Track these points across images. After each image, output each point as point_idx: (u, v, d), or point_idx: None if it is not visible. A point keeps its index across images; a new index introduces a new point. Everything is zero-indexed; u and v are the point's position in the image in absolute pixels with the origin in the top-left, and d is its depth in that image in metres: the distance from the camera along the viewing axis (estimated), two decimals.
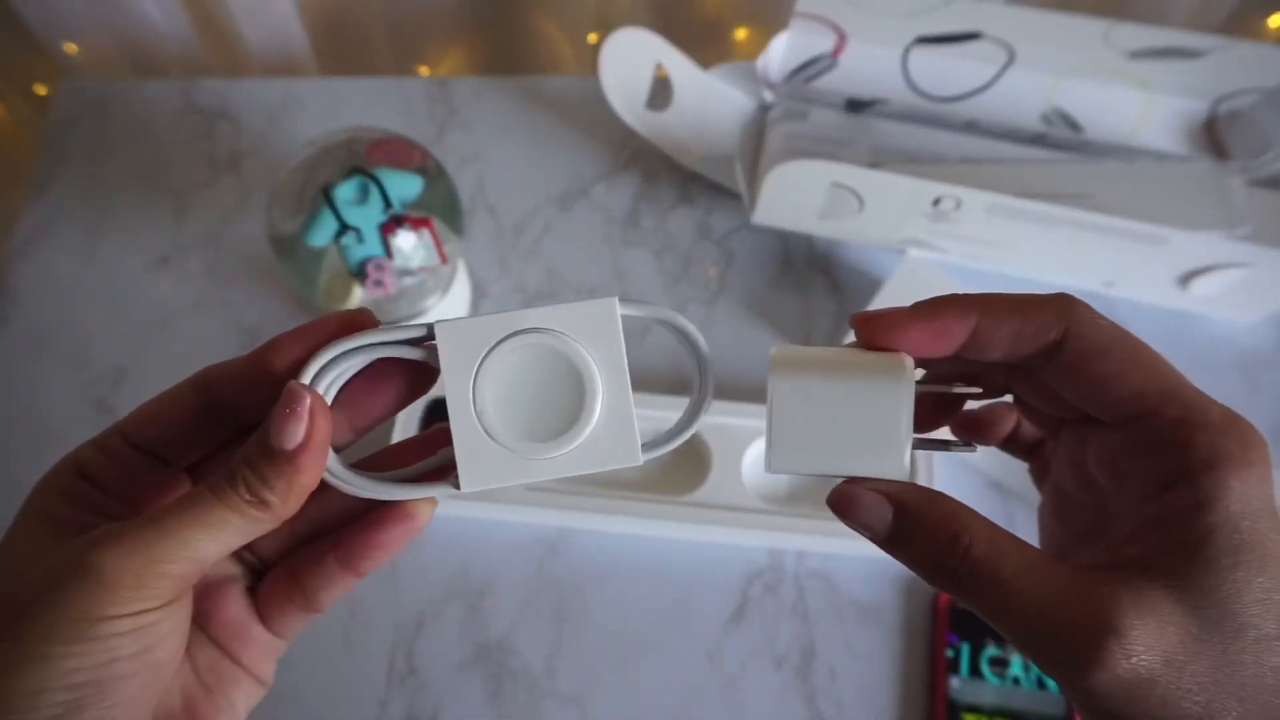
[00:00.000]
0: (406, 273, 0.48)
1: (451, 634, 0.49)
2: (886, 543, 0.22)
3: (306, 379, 0.23)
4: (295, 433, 0.22)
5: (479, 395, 0.23)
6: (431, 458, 0.25)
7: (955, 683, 0.47)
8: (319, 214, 0.46)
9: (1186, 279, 0.55)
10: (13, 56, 0.73)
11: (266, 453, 0.22)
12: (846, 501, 0.23)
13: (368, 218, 0.47)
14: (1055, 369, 0.22)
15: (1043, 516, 0.28)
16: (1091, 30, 0.59)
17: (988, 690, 0.47)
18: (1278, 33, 0.73)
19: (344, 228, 0.46)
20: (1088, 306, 0.22)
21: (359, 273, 0.48)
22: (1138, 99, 0.63)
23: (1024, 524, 0.53)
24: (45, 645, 0.20)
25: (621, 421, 0.24)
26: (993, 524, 0.21)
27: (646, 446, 0.24)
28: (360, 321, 0.24)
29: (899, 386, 0.23)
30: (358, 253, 0.47)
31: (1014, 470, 0.52)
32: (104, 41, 0.70)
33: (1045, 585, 0.20)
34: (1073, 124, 0.63)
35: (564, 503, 0.50)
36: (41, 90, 0.76)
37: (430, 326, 0.23)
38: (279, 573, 0.27)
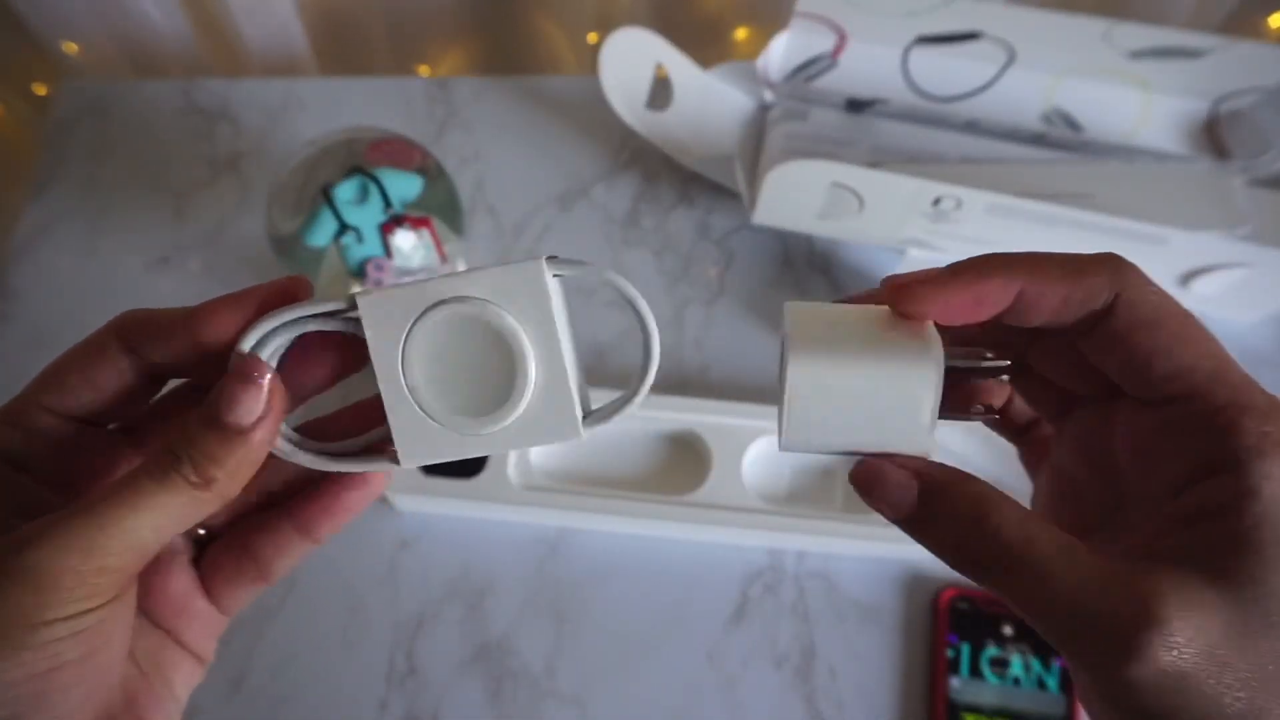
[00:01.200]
0: (407, 273, 0.48)
1: (451, 634, 0.49)
2: (909, 523, 0.21)
3: (245, 348, 0.22)
4: (253, 408, 0.20)
5: (408, 370, 0.22)
6: (380, 428, 0.24)
7: (955, 683, 0.47)
8: (319, 214, 0.46)
9: (1187, 279, 0.55)
10: (12, 56, 0.73)
11: (216, 428, 0.20)
12: (871, 477, 0.21)
13: (367, 218, 0.47)
14: (1097, 338, 0.21)
15: (1036, 506, 0.27)
16: (1092, 30, 0.59)
17: (988, 690, 0.47)
18: (1278, 33, 0.73)
19: (344, 228, 0.46)
20: (1140, 271, 0.21)
21: (359, 273, 0.48)
22: (1138, 99, 0.63)
23: None
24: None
25: (559, 394, 0.22)
26: (1024, 507, 0.20)
27: (591, 418, 0.23)
28: (294, 291, 0.23)
29: (927, 366, 0.21)
30: (358, 253, 0.47)
31: (1014, 470, 0.52)
32: (104, 41, 0.70)
33: (1082, 572, 0.19)
34: (1073, 124, 0.63)
35: (564, 503, 0.50)
36: (41, 90, 0.76)
37: (352, 297, 0.22)
38: (227, 543, 0.25)
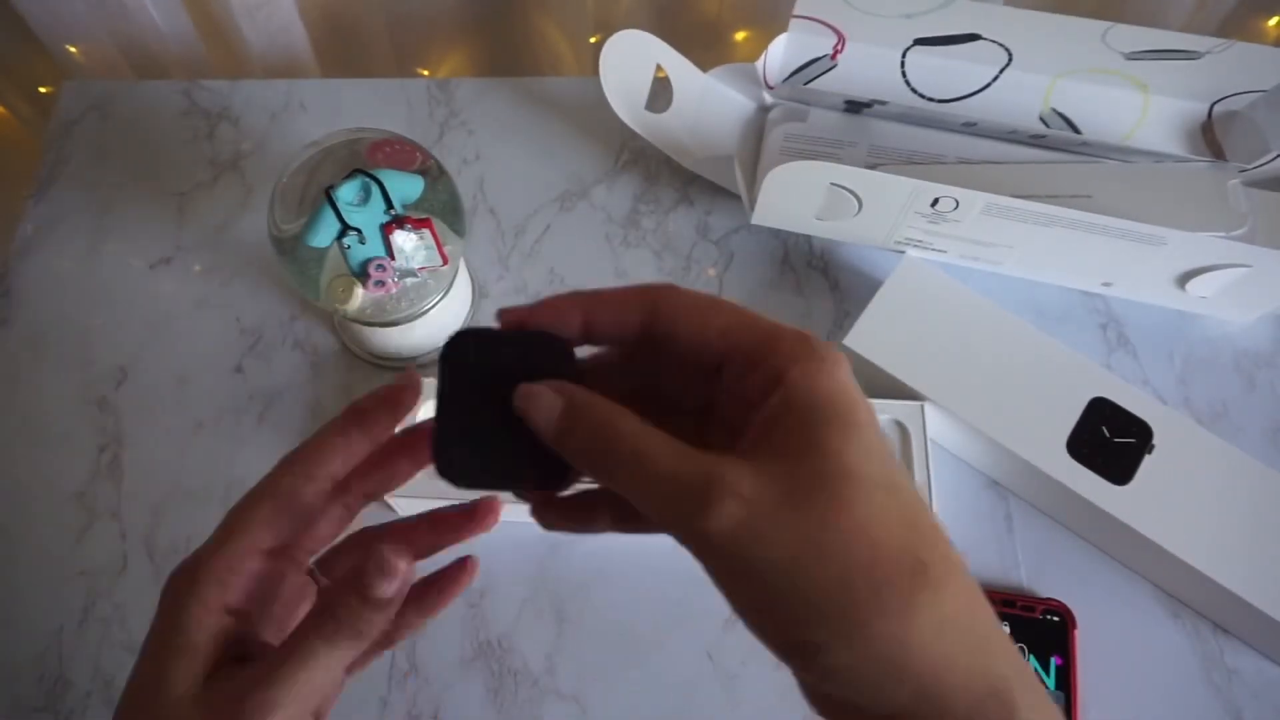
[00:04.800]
0: (408, 273, 0.49)
1: (452, 633, 0.50)
2: (557, 437, 0.25)
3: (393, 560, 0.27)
4: (390, 588, 0.26)
5: None
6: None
7: None
8: (320, 215, 0.46)
9: (1184, 279, 0.55)
10: (16, 58, 0.73)
11: (366, 600, 0.26)
12: (529, 395, 0.26)
13: (369, 218, 0.47)
14: (662, 337, 0.26)
15: None
16: (1090, 31, 0.60)
17: None
18: (1276, 33, 0.73)
19: (345, 228, 0.46)
20: (676, 286, 0.26)
21: (361, 273, 0.48)
22: (1136, 100, 0.63)
23: (1022, 523, 0.53)
24: None
25: None
26: (642, 420, 0.24)
27: None
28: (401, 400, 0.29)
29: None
30: (359, 253, 0.47)
31: (1015, 470, 0.52)
32: (106, 43, 0.70)
33: (676, 458, 0.23)
34: (1071, 125, 0.63)
35: None
36: (44, 91, 0.76)
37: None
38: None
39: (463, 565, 0.32)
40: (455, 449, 0.26)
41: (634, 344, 0.27)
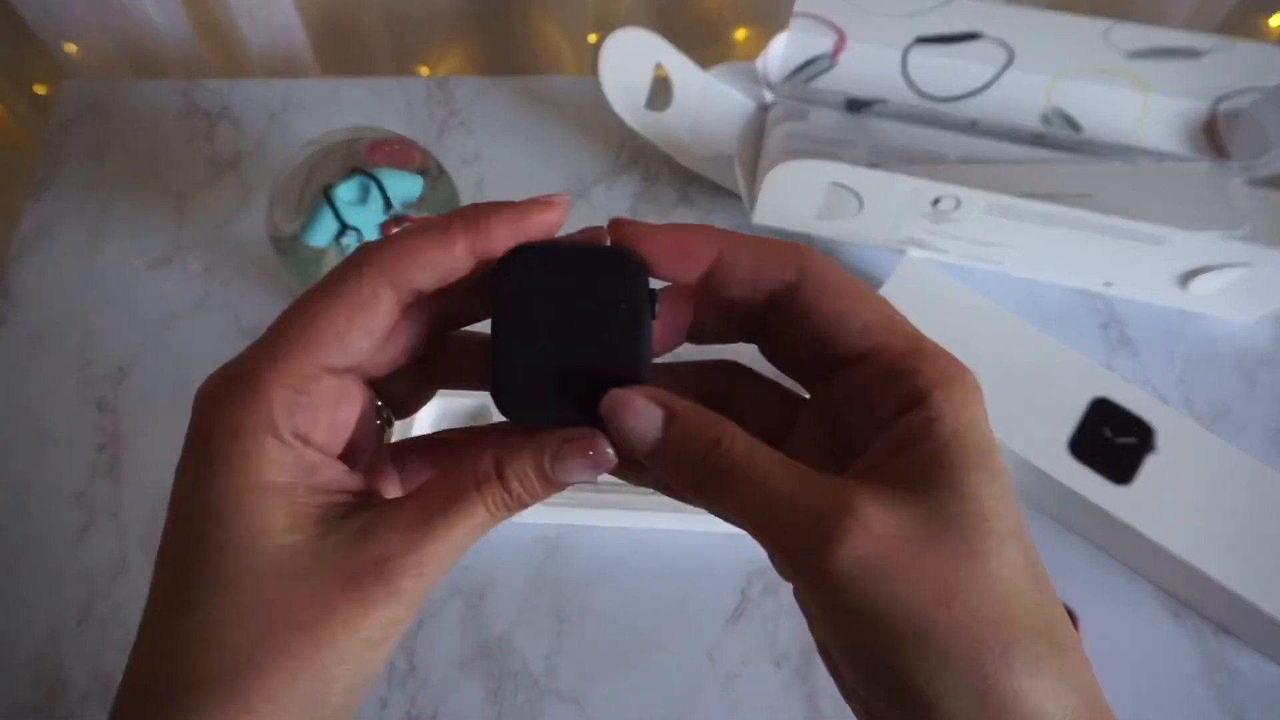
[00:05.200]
0: None
1: (452, 633, 0.49)
2: (653, 453, 0.22)
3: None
4: (582, 476, 0.23)
5: None
6: None
7: None
8: (319, 214, 0.46)
9: (1186, 278, 0.55)
10: (13, 57, 0.73)
11: (546, 480, 0.23)
12: (621, 405, 0.23)
13: (368, 218, 0.47)
14: (796, 310, 0.24)
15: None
16: (1091, 30, 0.59)
17: None
18: (1278, 33, 0.73)
19: (344, 228, 0.46)
20: (823, 256, 0.24)
21: None
22: (1137, 99, 0.63)
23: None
24: (341, 663, 0.21)
25: None
26: (746, 433, 0.23)
27: None
28: (553, 213, 0.24)
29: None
30: None
31: (1016, 471, 0.52)
32: (104, 42, 0.70)
33: (795, 480, 0.21)
34: (1072, 124, 0.63)
35: (564, 500, 0.50)
36: (42, 90, 0.76)
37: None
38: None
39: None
40: (519, 382, 0.23)
41: (754, 312, 0.24)
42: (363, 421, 0.24)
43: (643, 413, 0.22)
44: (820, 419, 0.26)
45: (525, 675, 0.49)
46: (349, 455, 0.24)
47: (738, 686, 0.48)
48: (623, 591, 0.50)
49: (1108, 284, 0.58)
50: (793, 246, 0.24)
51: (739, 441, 0.22)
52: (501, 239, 0.23)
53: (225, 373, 0.22)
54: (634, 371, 0.23)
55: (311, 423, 0.22)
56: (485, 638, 0.49)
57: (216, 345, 0.58)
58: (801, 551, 0.21)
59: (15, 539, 0.53)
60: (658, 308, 0.24)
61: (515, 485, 0.23)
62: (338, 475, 0.23)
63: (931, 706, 0.20)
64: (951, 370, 0.22)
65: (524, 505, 0.23)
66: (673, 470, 0.23)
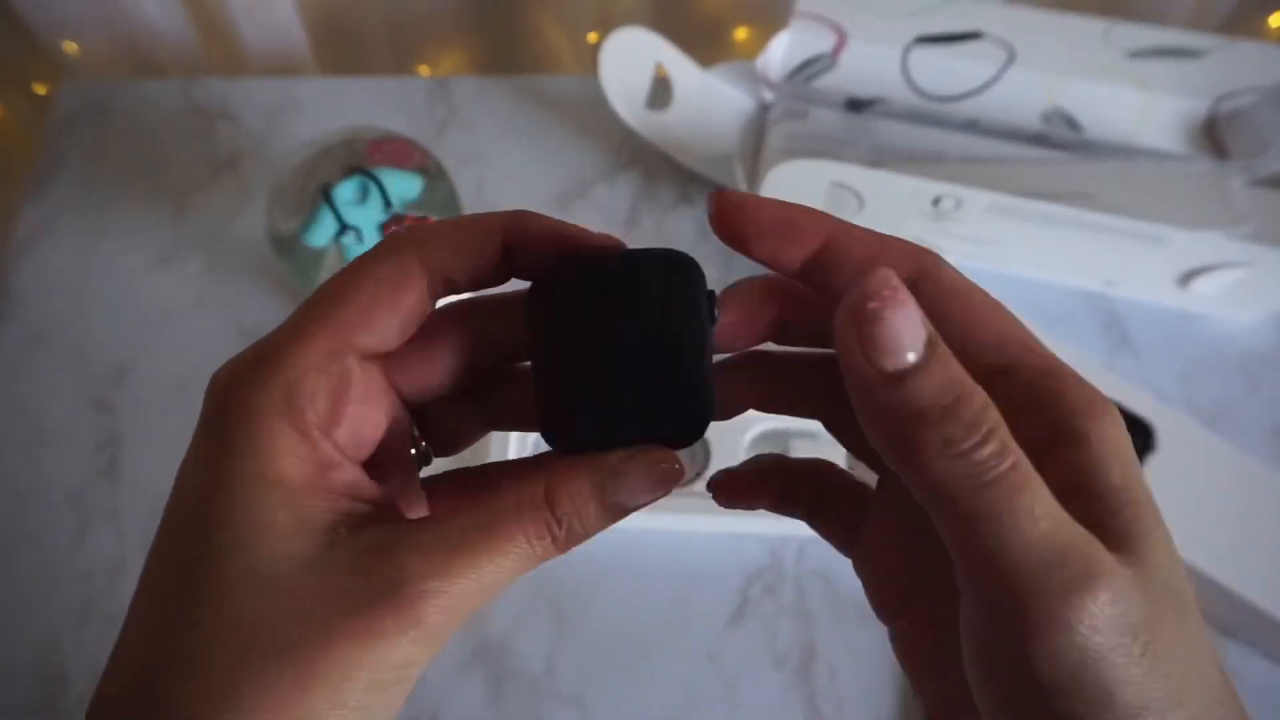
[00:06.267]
0: None
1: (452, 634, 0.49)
2: (899, 379, 0.17)
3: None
4: (651, 500, 0.20)
5: None
6: None
7: None
8: (319, 214, 0.46)
9: (1187, 278, 0.55)
10: (12, 56, 0.73)
11: (608, 509, 0.20)
12: (891, 295, 0.17)
13: (367, 217, 0.47)
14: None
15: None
16: (1091, 30, 0.59)
17: None
18: (1278, 33, 0.73)
19: (344, 228, 0.46)
20: (938, 255, 0.20)
21: None
22: (1138, 98, 0.63)
23: None
24: (335, 708, 0.17)
25: None
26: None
27: None
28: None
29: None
30: (358, 252, 0.47)
31: None
32: (104, 41, 0.70)
33: (1057, 520, 0.17)
34: (1073, 123, 0.63)
35: None
36: (41, 90, 0.76)
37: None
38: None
39: None
40: (568, 406, 0.21)
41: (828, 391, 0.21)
42: (392, 433, 0.21)
43: (911, 319, 0.17)
44: (895, 506, 0.22)
45: (525, 676, 0.49)
46: (372, 467, 0.21)
47: (738, 687, 0.48)
48: (623, 592, 0.50)
49: (1109, 284, 0.58)
50: (911, 245, 0.20)
51: (1014, 442, 0.17)
52: (538, 236, 0.21)
53: (242, 356, 0.19)
54: (695, 384, 0.21)
55: (333, 413, 0.19)
56: (485, 638, 0.49)
57: (216, 345, 0.58)
58: (1029, 597, 0.16)
59: (14, 539, 0.52)
60: (717, 312, 0.22)
61: (566, 509, 0.19)
62: (356, 478, 0.20)
63: None
64: (1098, 400, 0.18)
65: (575, 539, 0.20)
66: (917, 419, 0.17)
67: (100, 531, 0.52)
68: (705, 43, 0.77)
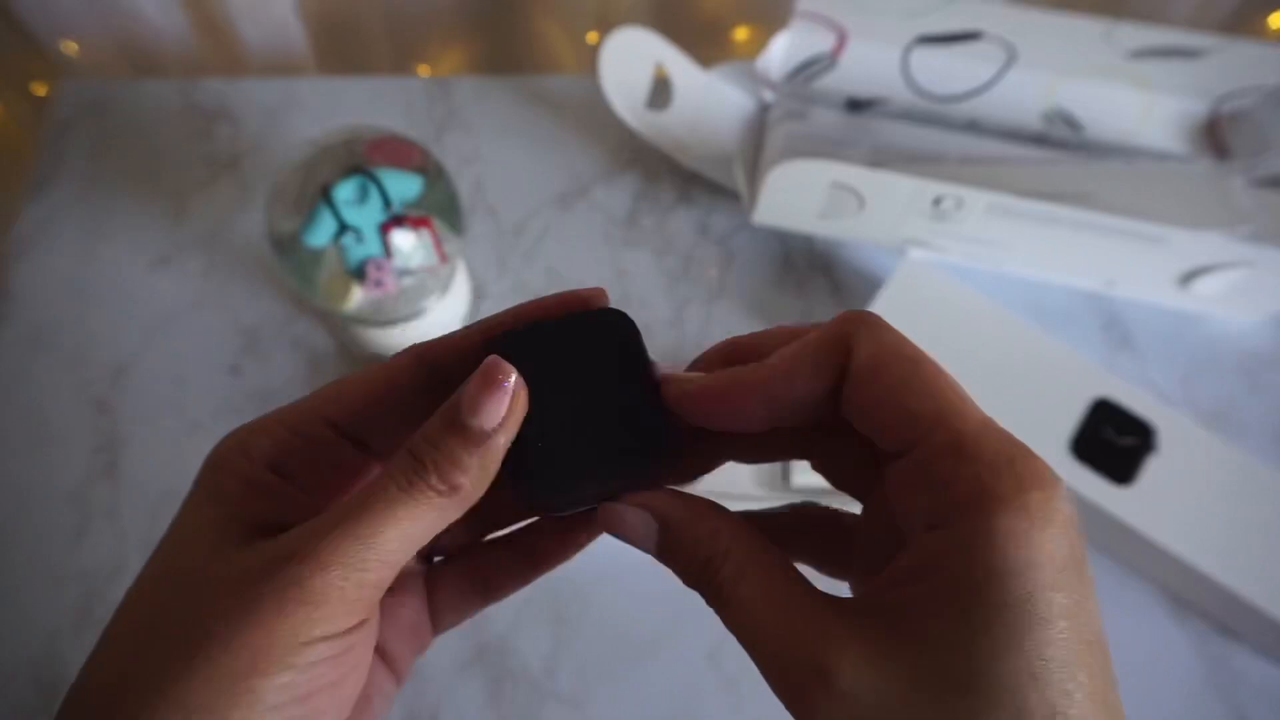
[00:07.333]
0: (406, 272, 0.48)
1: (451, 634, 0.49)
2: (658, 556, 0.21)
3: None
4: (496, 411, 0.20)
5: None
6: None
7: None
8: (318, 214, 0.46)
9: (1188, 278, 0.55)
10: (11, 56, 0.73)
11: (459, 432, 0.20)
12: (612, 519, 0.22)
13: (367, 217, 0.47)
14: (845, 396, 0.20)
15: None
16: (1092, 30, 0.59)
17: None
18: (1278, 33, 0.73)
19: (343, 228, 0.46)
20: (875, 321, 0.20)
21: (359, 272, 0.47)
22: (1139, 99, 0.63)
23: None
24: (249, 678, 0.18)
25: None
26: (754, 543, 0.20)
27: None
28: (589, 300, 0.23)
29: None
30: (357, 252, 0.47)
31: None
32: (102, 41, 0.70)
33: (780, 619, 0.19)
34: (1074, 123, 0.63)
35: None
36: (40, 90, 0.76)
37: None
38: (456, 564, 0.25)
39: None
40: (543, 470, 0.22)
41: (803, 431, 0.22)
42: (351, 481, 0.23)
43: (635, 524, 0.21)
44: (874, 522, 0.23)
45: (525, 676, 0.48)
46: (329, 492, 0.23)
47: (738, 688, 0.48)
48: (623, 592, 0.50)
49: (1109, 284, 0.58)
50: (835, 326, 0.20)
51: (730, 563, 0.20)
52: (507, 320, 0.23)
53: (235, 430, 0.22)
54: (647, 415, 0.22)
55: (288, 457, 0.21)
56: (485, 639, 0.49)
57: (214, 345, 0.58)
58: (781, 692, 0.19)
59: (13, 539, 0.52)
60: (657, 373, 0.23)
61: (423, 447, 0.20)
62: (292, 494, 0.21)
63: None
64: (1002, 487, 0.17)
65: (449, 476, 0.20)
66: (681, 576, 0.21)
67: (99, 531, 0.52)
68: (705, 43, 0.77)
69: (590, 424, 0.22)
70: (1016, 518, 0.17)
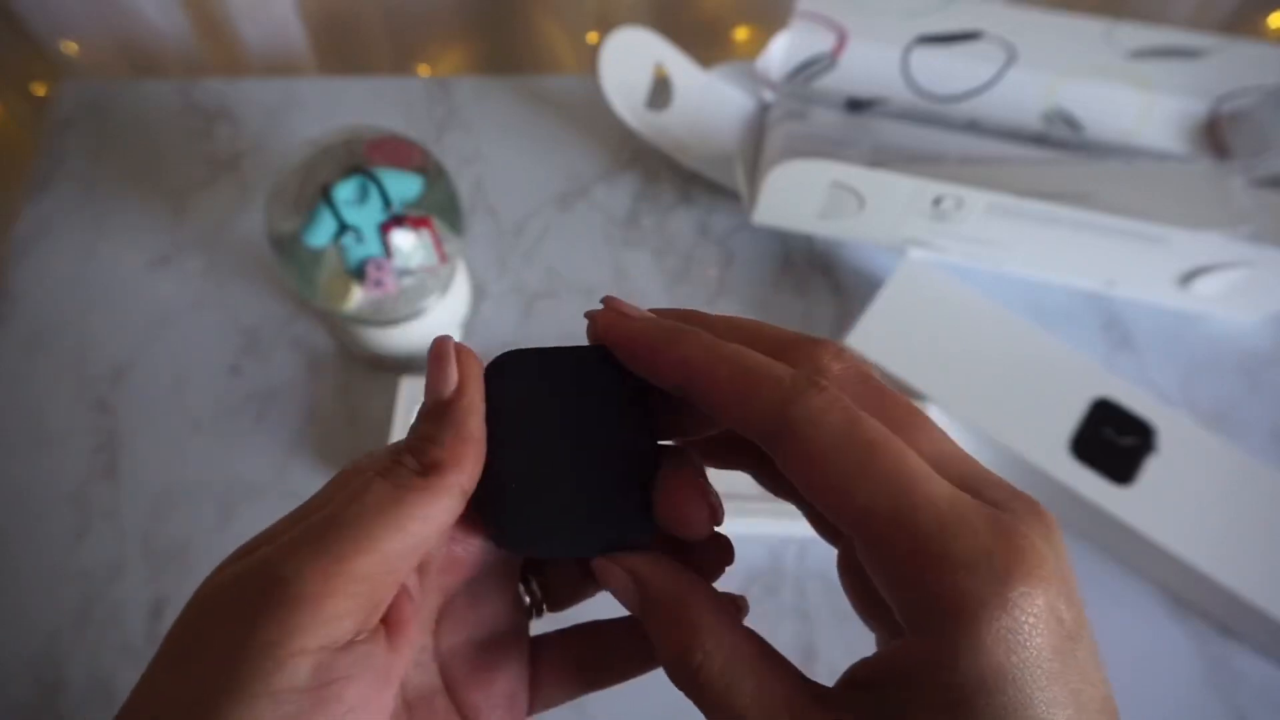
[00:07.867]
0: (406, 273, 0.48)
1: None
2: (640, 619, 0.21)
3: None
4: (448, 375, 0.21)
5: None
6: None
7: None
8: (318, 214, 0.46)
9: (1188, 278, 0.55)
10: (11, 56, 0.73)
11: (424, 412, 0.21)
12: (603, 575, 0.21)
13: (367, 217, 0.47)
14: (782, 464, 0.19)
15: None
16: (1092, 30, 0.59)
17: None
18: (1278, 33, 0.73)
19: (343, 228, 0.46)
20: (826, 392, 0.18)
21: (358, 272, 0.47)
22: (1138, 99, 0.63)
23: None
24: (260, 682, 0.17)
25: None
26: (740, 640, 0.19)
27: None
28: None
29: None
30: (357, 252, 0.47)
31: (1017, 471, 0.52)
32: (102, 41, 0.70)
33: (754, 705, 0.18)
34: (1073, 123, 0.63)
35: None
36: (40, 90, 0.76)
37: None
38: (565, 642, 0.25)
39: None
40: (518, 511, 0.21)
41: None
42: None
43: (621, 586, 0.21)
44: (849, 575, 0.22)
45: None
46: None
47: None
48: None
49: (1109, 284, 0.58)
50: (778, 379, 0.18)
51: (713, 660, 0.19)
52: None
53: (270, 556, 0.19)
54: (620, 533, 0.21)
55: (348, 632, 0.19)
56: None
57: (214, 345, 0.58)
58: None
59: (13, 539, 0.52)
60: (657, 437, 0.22)
61: (407, 442, 0.20)
62: None
63: None
64: (981, 590, 0.16)
65: (421, 456, 0.20)
66: (655, 649, 0.21)
67: (99, 531, 0.52)
68: (705, 43, 0.77)
69: (571, 478, 0.21)
70: (1005, 619, 0.16)
